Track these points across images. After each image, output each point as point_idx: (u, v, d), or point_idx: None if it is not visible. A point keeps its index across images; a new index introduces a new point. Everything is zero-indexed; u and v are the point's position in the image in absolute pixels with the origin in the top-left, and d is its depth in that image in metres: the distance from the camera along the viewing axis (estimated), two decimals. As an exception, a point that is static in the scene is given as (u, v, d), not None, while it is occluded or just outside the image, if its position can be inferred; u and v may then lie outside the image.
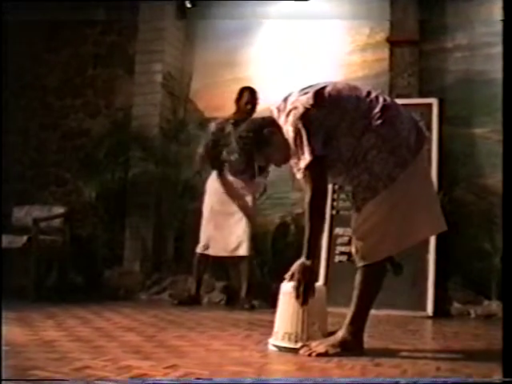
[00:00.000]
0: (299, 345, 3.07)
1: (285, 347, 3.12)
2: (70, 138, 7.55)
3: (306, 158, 3.05)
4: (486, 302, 5.39)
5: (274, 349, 3.17)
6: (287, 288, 3.20)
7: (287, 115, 3.16)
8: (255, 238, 5.65)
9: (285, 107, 3.22)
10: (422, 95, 5.97)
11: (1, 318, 3.24)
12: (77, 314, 4.74)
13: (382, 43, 6.28)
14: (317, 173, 3.10)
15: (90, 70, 7.65)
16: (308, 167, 3.07)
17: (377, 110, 3.09)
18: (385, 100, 3.16)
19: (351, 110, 3.12)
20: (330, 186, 5.89)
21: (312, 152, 3.03)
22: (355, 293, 3.14)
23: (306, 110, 3.10)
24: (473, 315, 5.38)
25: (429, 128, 5.61)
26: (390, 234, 3.09)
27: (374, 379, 2.41)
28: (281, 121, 3.23)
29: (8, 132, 7.35)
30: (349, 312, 3.15)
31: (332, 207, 5.90)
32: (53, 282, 6.52)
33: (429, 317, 5.25)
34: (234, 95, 5.85)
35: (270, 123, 3.29)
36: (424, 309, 5.33)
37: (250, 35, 6.89)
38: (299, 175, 3.20)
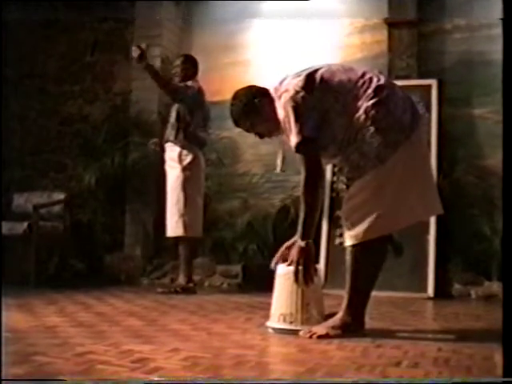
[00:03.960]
0: (294, 325, 3.12)
1: (280, 328, 3.16)
2: (69, 124, 7.53)
3: (294, 139, 3.08)
4: (486, 283, 5.39)
5: (272, 331, 3.19)
6: (282, 270, 3.24)
7: (279, 97, 3.20)
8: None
9: (279, 89, 3.25)
10: (421, 76, 5.95)
11: (0, 315, 3.23)
12: (78, 299, 4.76)
13: (380, 25, 6.25)
14: (309, 154, 3.12)
15: (88, 56, 7.63)
16: (299, 149, 3.09)
17: (370, 90, 3.08)
18: (379, 80, 3.15)
19: (344, 92, 3.12)
20: (329, 168, 5.89)
21: (300, 133, 3.06)
22: (347, 274, 3.14)
23: (296, 93, 3.12)
24: (473, 296, 5.39)
25: (428, 109, 5.58)
26: (378, 214, 3.04)
27: (370, 379, 2.41)
28: (276, 103, 3.26)
29: (7, 119, 7.34)
30: (345, 294, 3.16)
31: (332, 189, 5.91)
32: (54, 268, 6.52)
33: (429, 298, 5.26)
34: (233, 79, 5.85)
35: (264, 95, 3.34)
36: (425, 290, 5.34)
37: (247, 18, 6.86)
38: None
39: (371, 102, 3.05)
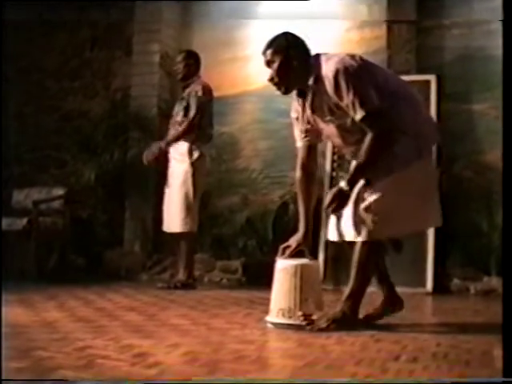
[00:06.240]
0: (293, 320, 3.13)
1: (280, 323, 3.18)
2: (69, 120, 7.53)
3: (360, 112, 3.00)
4: (485, 278, 5.40)
5: (271, 326, 3.21)
6: (282, 265, 3.25)
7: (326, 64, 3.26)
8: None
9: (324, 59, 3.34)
10: (419, 72, 5.94)
11: (0, 312, 3.23)
12: (78, 294, 4.76)
13: (379, 20, 6.24)
14: (377, 126, 3.03)
15: (88, 51, 7.63)
16: (366, 121, 3.01)
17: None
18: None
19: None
20: (328, 163, 5.90)
21: (367, 105, 3.00)
22: (353, 268, 3.14)
23: (353, 65, 3.10)
24: (472, 291, 5.40)
25: (427, 105, 5.59)
26: (400, 214, 3.09)
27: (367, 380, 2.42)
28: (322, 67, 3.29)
29: (6, 115, 7.33)
30: (347, 287, 3.16)
31: (331, 185, 5.90)
32: (54, 264, 6.54)
33: (428, 293, 5.27)
34: (233, 75, 5.83)
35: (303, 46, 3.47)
36: (424, 285, 5.34)
37: (247, 14, 6.84)
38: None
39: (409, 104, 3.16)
